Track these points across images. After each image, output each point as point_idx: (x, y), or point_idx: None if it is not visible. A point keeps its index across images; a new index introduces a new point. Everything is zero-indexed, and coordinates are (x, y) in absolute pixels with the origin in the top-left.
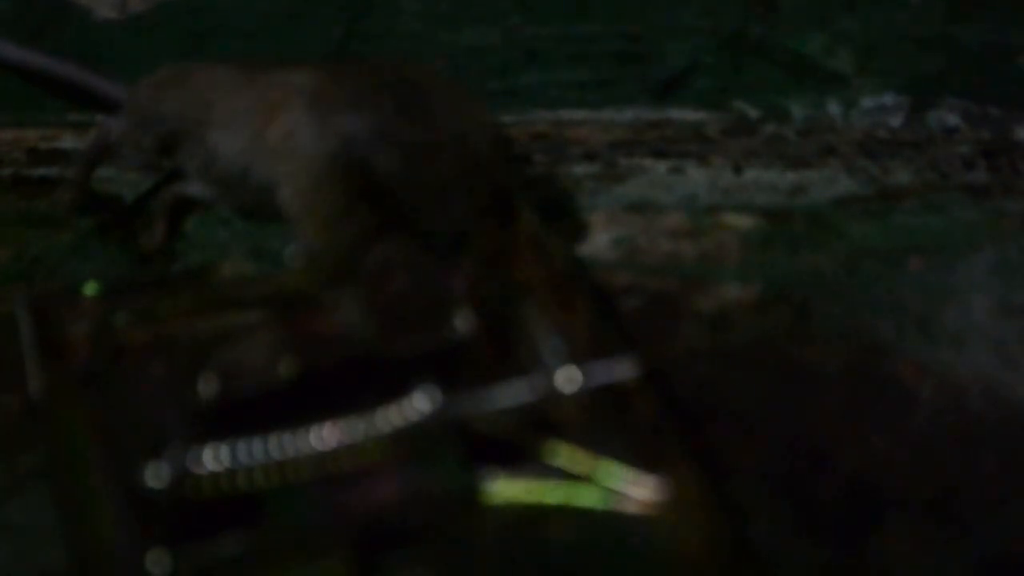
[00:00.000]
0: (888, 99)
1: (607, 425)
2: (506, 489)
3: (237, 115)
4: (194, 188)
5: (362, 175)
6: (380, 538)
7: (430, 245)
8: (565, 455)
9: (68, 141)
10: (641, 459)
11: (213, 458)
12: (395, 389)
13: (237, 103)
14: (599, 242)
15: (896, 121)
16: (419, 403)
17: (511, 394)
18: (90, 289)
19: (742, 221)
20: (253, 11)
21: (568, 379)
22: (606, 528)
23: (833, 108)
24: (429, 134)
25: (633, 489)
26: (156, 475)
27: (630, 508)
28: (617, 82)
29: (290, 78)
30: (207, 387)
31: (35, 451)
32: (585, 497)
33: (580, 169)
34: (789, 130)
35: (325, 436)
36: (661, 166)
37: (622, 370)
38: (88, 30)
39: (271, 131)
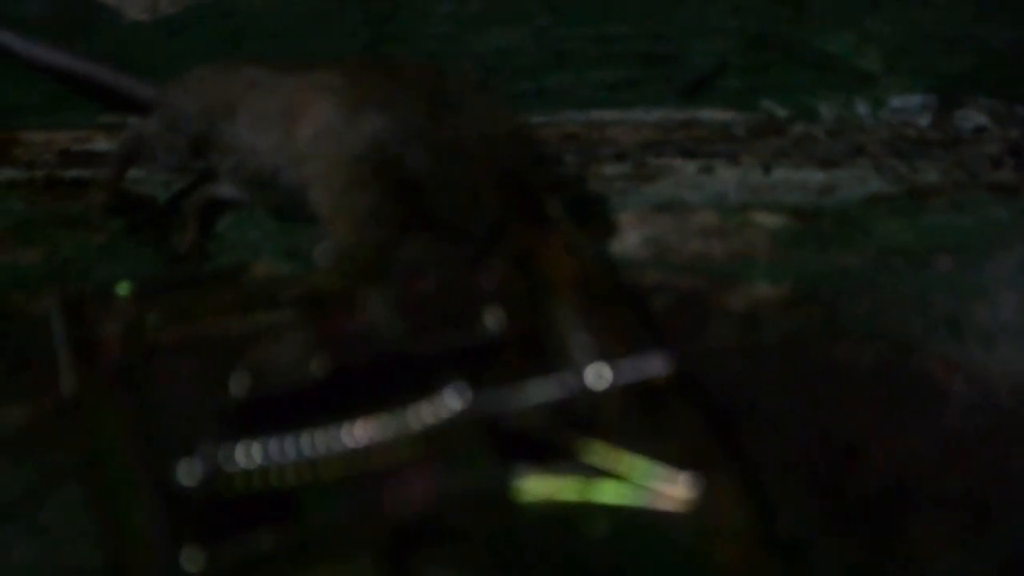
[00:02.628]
0: (916, 98)
1: (639, 422)
2: (538, 487)
3: (267, 116)
4: (225, 189)
5: (392, 174)
6: (411, 535)
7: (460, 244)
8: (597, 452)
9: (100, 143)
10: (674, 456)
11: (245, 456)
12: (426, 387)
13: (267, 104)
14: (629, 241)
15: (924, 120)
16: (450, 401)
17: (542, 391)
18: (122, 289)
19: (771, 220)
20: (282, 13)
21: (599, 376)
22: (638, 525)
23: (861, 108)
24: (458, 133)
25: (665, 486)
26: (189, 473)
27: (662, 505)
28: (646, 82)
29: (320, 78)
30: (239, 385)
31: (68, 450)
32: (617, 494)
33: (610, 169)
34: (818, 130)
35: (356, 434)
36: (691, 166)
37: (653, 367)
38: (119, 32)
39: (301, 131)
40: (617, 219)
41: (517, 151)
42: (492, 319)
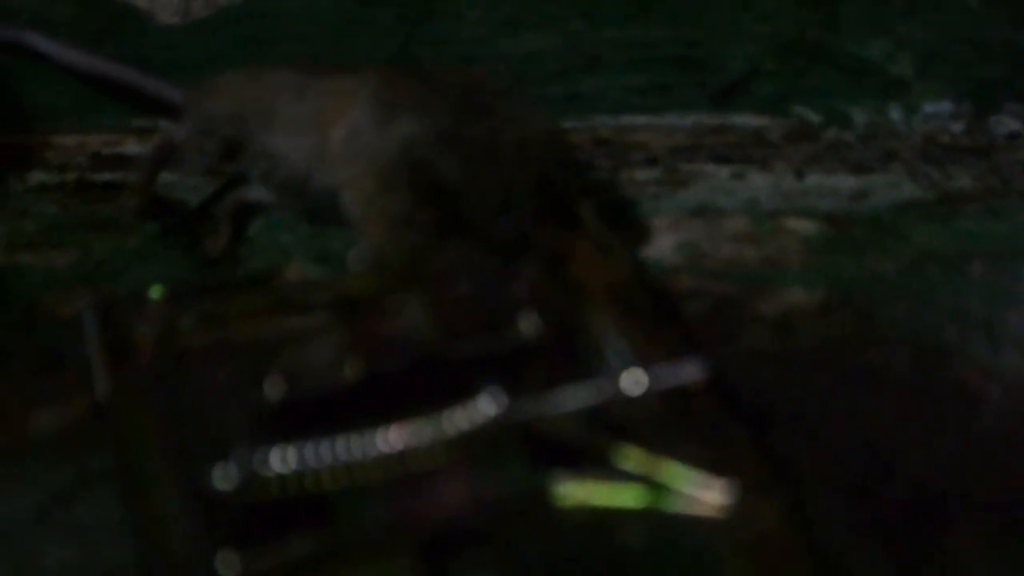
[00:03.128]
0: (950, 104)
1: (675, 428)
2: (573, 492)
3: (299, 119)
4: (257, 192)
5: (425, 178)
6: (446, 541)
7: (493, 248)
8: (633, 458)
9: (131, 146)
10: (710, 462)
11: (280, 460)
12: (460, 392)
13: (299, 107)
14: (662, 246)
15: (958, 126)
16: (485, 406)
17: (577, 397)
18: (155, 292)
19: (805, 226)
20: (314, 16)
21: (634, 382)
22: (673, 531)
23: (895, 113)
24: (492, 137)
25: (702, 492)
26: (224, 477)
27: (698, 511)
28: (678, 87)
29: (352, 82)
30: (273, 389)
31: (101, 452)
32: (652, 500)
33: (642, 174)
34: (851, 135)
35: (391, 439)
36: (723, 171)
37: (689, 373)
38: (150, 35)
39: (333, 135)
40: (649, 224)
41: (550, 155)
42: (526, 324)
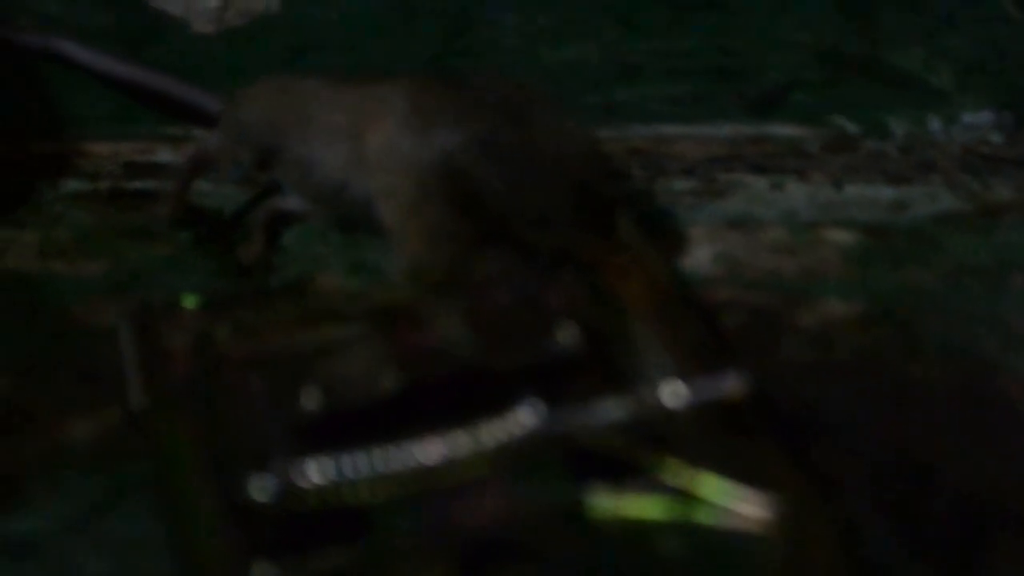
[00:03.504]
0: (989, 115)
1: (715, 440)
2: (612, 504)
3: (335, 128)
4: (291, 202)
5: (463, 189)
6: (484, 553)
7: (531, 259)
8: (673, 471)
9: (164, 154)
10: (750, 475)
11: (318, 472)
12: (499, 403)
13: (335, 116)
14: (700, 257)
15: (997, 137)
16: (524, 417)
17: (617, 409)
18: (190, 302)
19: (843, 237)
20: (350, 26)
21: (675, 394)
22: (714, 545)
23: (934, 124)
24: (531, 147)
25: (742, 506)
26: (262, 488)
27: (739, 525)
28: (715, 97)
29: (389, 91)
30: (311, 400)
31: (137, 462)
32: (693, 513)
33: (678, 184)
34: (889, 146)
35: (430, 450)
36: (760, 182)
37: (730, 385)
38: (185, 44)
39: (370, 144)
40: (686, 234)
41: (589, 165)
42: (565, 335)
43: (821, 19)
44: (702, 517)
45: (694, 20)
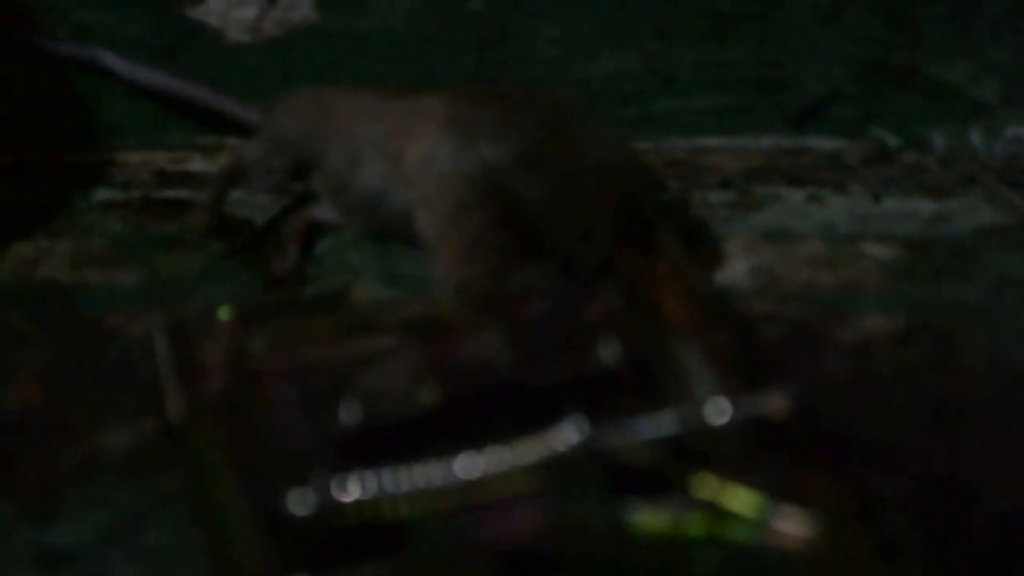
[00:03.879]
0: None
1: (756, 457)
2: (652, 521)
3: (374, 139)
4: (325, 211)
5: (503, 201)
6: (523, 569)
7: (571, 272)
8: (715, 488)
9: (196, 164)
10: (791, 493)
11: (358, 486)
12: (539, 418)
13: (372, 127)
14: (737, 270)
15: None
16: (567, 433)
17: (660, 425)
18: (224, 313)
19: (882, 251)
20: (387, 35)
21: (718, 411)
22: (755, 564)
23: (975, 137)
24: (571, 160)
25: (782, 523)
26: (301, 501)
27: (779, 542)
28: (754, 109)
29: (428, 102)
30: (349, 413)
31: (173, 473)
32: (733, 530)
33: (715, 196)
34: (929, 159)
35: (470, 465)
36: (798, 194)
37: (773, 402)
38: (220, 53)
39: (408, 155)
40: (723, 247)
41: (629, 178)
42: (606, 349)
43: (865, 31)
44: (742, 534)
45: (734, 31)
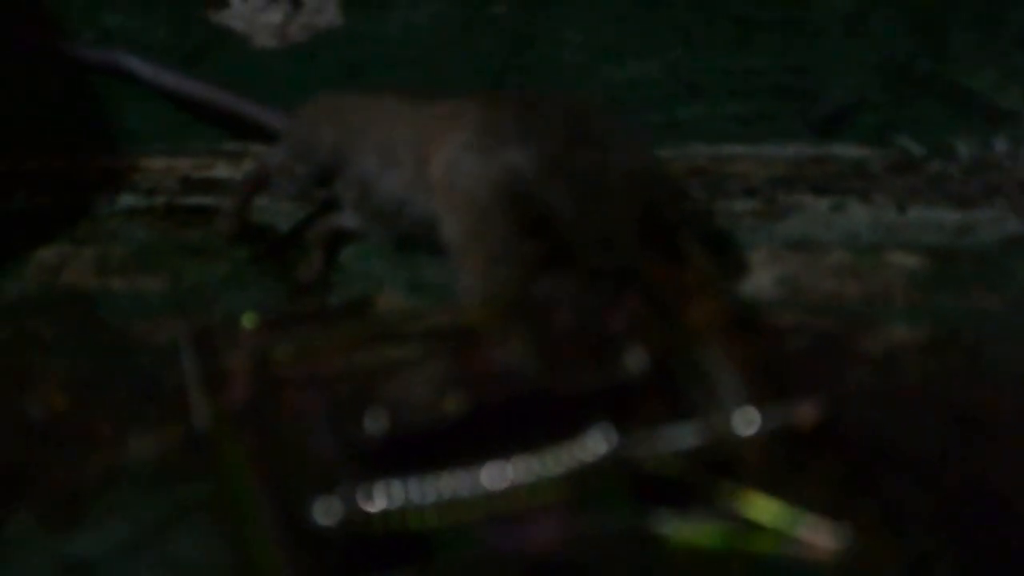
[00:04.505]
0: None
1: (785, 468)
2: (679, 532)
3: (397, 146)
4: (349, 219)
5: (529, 210)
6: None
7: (597, 281)
8: (742, 499)
9: (221, 170)
10: (821, 504)
11: (384, 496)
12: (567, 428)
13: (397, 134)
14: (761, 280)
15: None
16: (594, 443)
17: (688, 435)
18: (248, 321)
19: (907, 260)
20: (412, 41)
21: (747, 421)
22: (781, 574)
23: (1000, 146)
24: (598, 168)
25: (809, 534)
26: (326, 511)
27: (806, 554)
28: (779, 116)
29: (455, 109)
30: (375, 422)
31: (198, 482)
32: (761, 542)
33: (739, 205)
34: (954, 168)
35: (496, 475)
36: (822, 203)
37: (801, 413)
38: (246, 58)
39: (433, 162)
40: (747, 257)
41: (655, 186)
42: (633, 359)
43: (891, 38)
44: (770, 546)
45: (759, 38)
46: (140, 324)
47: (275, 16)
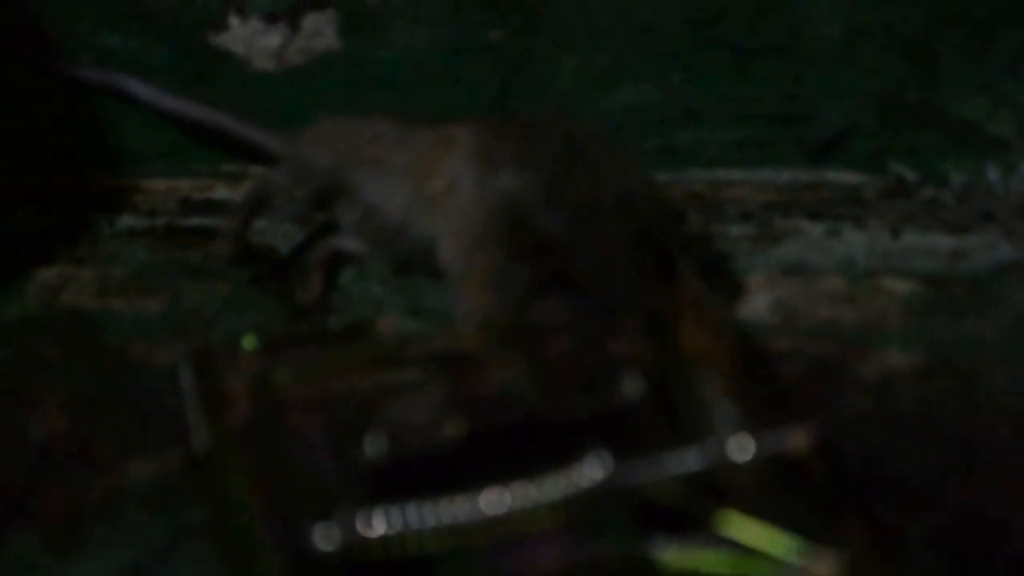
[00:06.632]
0: None
1: (780, 495)
2: (677, 558)
3: (396, 169)
4: (349, 242)
5: (525, 234)
6: None
7: (594, 306)
8: (737, 524)
9: (221, 192)
10: (816, 531)
11: (383, 521)
12: (564, 453)
13: (396, 157)
14: (757, 305)
15: None
16: (591, 469)
17: (684, 461)
18: (248, 344)
19: (902, 286)
20: (410, 65)
21: (742, 448)
22: None
23: (992, 173)
24: (594, 193)
25: (806, 561)
26: (326, 536)
27: None
28: (774, 143)
29: (451, 133)
30: (374, 446)
31: (198, 505)
32: (758, 568)
33: (735, 230)
34: (947, 194)
35: (495, 501)
36: (817, 228)
37: (797, 440)
38: (245, 81)
39: (431, 186)
40: (744, 281)
41: (651, 211)
42: (630, 385)
43: (883, 66)
44: (765, 572)
45: (755, 65)
46: (140, 345)
47: (274, 39)
